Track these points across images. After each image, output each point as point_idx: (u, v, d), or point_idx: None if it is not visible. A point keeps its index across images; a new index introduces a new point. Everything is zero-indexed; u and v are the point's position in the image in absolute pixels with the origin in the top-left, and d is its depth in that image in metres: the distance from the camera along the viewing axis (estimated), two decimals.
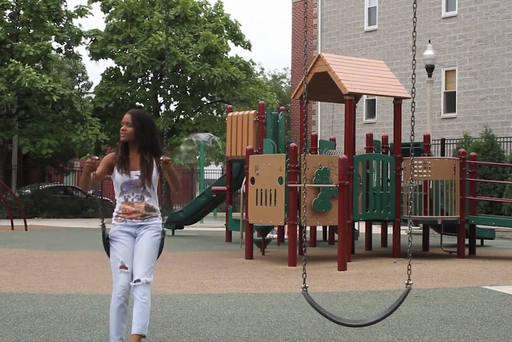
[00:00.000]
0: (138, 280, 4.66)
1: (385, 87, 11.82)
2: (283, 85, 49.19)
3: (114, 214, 4.91)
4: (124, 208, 4.84)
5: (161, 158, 4.78)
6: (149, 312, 4.68)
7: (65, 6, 5.70)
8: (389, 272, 9.60)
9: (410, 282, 4.53)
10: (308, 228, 13.30)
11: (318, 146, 13.41)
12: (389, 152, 12.79)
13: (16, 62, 24.76)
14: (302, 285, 4.69)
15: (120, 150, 4.89)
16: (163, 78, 28.79)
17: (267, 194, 10.60)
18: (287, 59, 67.22)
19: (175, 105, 29.70)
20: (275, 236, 14.37)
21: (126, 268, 4.73)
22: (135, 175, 4.86)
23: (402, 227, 12.18)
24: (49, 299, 6.98)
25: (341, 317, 4.95)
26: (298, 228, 10.94)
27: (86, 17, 28.57)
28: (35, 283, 8.21)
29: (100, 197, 30.54)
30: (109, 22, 28.57)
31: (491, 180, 18.69)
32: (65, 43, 28.26)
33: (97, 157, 4.83)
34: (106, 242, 4.87)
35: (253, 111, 14.26)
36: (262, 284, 8.33)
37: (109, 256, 4.87)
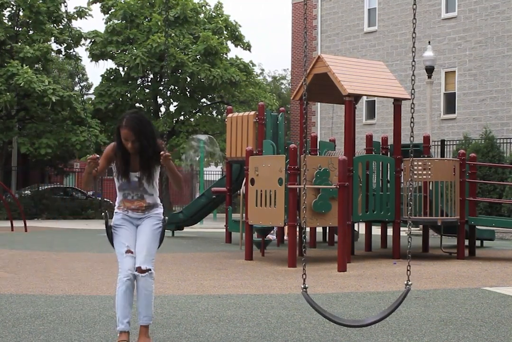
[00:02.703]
0: (141, 270, 4.78)
1: (385, 88, 11.82)
2: (283, 86, 49.23)
3: (116, 204, 5.01)
4: (124, 204, 4.96)
5: (161, 153, 4.78)
6: (153, 300, 4.90)
7: (66, 6, 5.70)
8: (389, 273, 9.59)
9: (410, 283, 4.53)
10: (308, 229, 13.30)
11: (318, 147, 13.42)
12: (388, 153, 12.79)
13: (15, 63, 24.78)
14: (302, 286, 4.69)
15: (119, 151, 4.87)
16: (163, 80, 28.80)
17: (267, 195, 10.60)
18: (287, 60, 67.23)
19: (174, 106, 29.72)
20: (274, 236, 14.36)
21: (132, 252, 4.85)
22: (135, 176, 4.89)
23: (402, 228, 12.18)
24: (49, 300, 6.98)
25: (340, 318, 4.95)
26: (298, 229, 10.94)
27: (86, 18, 28.61)
28: (35, 284, 8.20)
29: (100, 198, 30.54)
30: (108, 23, 28.58)
31: (491, 181, 18.68)
32: (65, 45, 28.27)
33: (98, 155, 4.87)
34: (109, 230, 4.96)
35: (253, 113, 14.26)
36: (262, 285, 8.33)
37: (112, 245, 4.99)
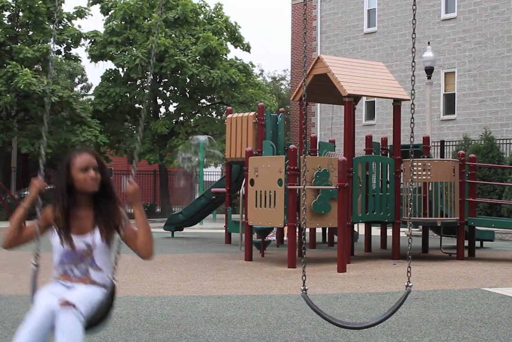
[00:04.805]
0: (65, 303, 3.36)
1: (384, 89, 11.83)
2: (282, 87, 49.20)
3: (52, 275, 3.96)
4: (63, 279, 3.79)
5: (128, 184, 3.56)
6: None
7: (57, 11, 5.52)
8: (389, 274, 9.59)
9: (410, 284, 4.53)
10: (307, 230, 13.30)
11: (317, 148, 13.42)
12: (388, 154, 12.80)
13: (15, 63, 24.78)
14: (302, 287, 4.68)
15: (60, 204, 3.65)
16: (162, 80, 28.80)
17: (267, 196, 10.60)
18: (286, 61, 67.25)
19: (174, 107, 29.73)
20: (274, 237, 14.36)
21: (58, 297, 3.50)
22: (82, 242, 3.62)
23: (401, 229, 12.18)
24: None
25: (341, 320, 4.95)
26: (297, 230, 10.94)
27: (86, 18, 28.61)
28: None
29: None
30: (108, 24, 28.59)
31: (490, 181, 18.69)
32: (65, 45, 28.28)
33: (43, 183, 3.80)
34: (35, 293, 3.83)
35: (252, 113, 14.26)
36: (261, 285, 8.33)
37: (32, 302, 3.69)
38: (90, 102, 28.97)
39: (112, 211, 3.63)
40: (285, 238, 13.67)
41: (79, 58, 29.61)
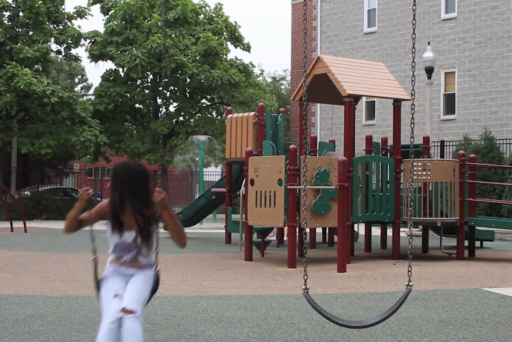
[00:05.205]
0: (126, 311, 4.08)
1: (384, 89, 11.82)
2: (282, 87, 49.21)
3: (108, 257, 4.46)
4: (117, 263, 4.41)
5: (156, 193, 4.16)
6: None
7: (63, 9, 5.62)
8: (389, 273, 9.59)
9: (411, 283, 4.53)
10: (307, 230, 13.29)
11: (317, 148, 13.42)
12: (388, 154, 12.80)
13: (15, 64, 24.79)
14: (303, 287, 4.68)
15: (113, 206, 4.31)
16: (162, 80, 28.79)
17: (267, 196, 10.60)
18: (286, 61, 67.25)
19: (174, 107, 29.73)
20: (274, 237, 14.36)
21: (119, 296, 4.22)
22: (130, 236, 4.34)
23: (401, 229, 12.18)
24: (48, 301, 6.98)
25: (342, 319, 4.94)
26: (297, 230, 10.93)
27: (86, 18, 28.61)
28: (35, 285, 8.20)
29: (100, 199, 30.56)
30: (108, 24, 28.59)
31: (490, 181, 18.69)
32: (65, 45, 28.29)
33: (90, 188, 4.39)
34: (98, 283, 4.40)
35: (252, 113, 14.27)
36: (261, 285, 8.33)
37: (98, 295, 4.36)
38: (90, 102, 28.97)
39: (150, 213, 4.33)
40: (285, 238, 13.67)
41: (79, 58, 29.62)
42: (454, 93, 25.26)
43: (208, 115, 30.69)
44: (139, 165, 4.40)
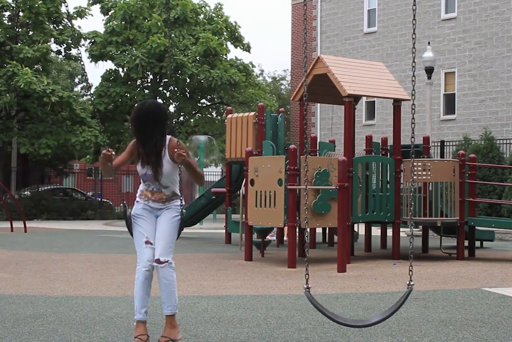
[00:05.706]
0: (160, 262, 4.89)
1: (384, 89, 11.82)
2: (282, 87, 49.25)
3: (138, 192, 5.16)
4: (146, 194, 5.10)
5: (175, 150, 4.84)
6: (176, 290, 4.99)
7: (66, 6, 5.75)
8: (389, 274, 9.59)
9: (412, 283, 4.53)
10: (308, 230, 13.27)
11: (317, 148, 13.42)
12: (388, 154, 12.80)
13: (15, 63, 24.80)
14: (305, 286, 4.68)
15: (137, 144, 5.01)
16: (162, 80, 28.80)
17: (267, 196, 10.59)
18: (286, 61, 67.27)
19: (174, 107, 29.73)
20: (274, 237, 14.36)
21: (151, 243, 4.97)
22: (149, 168, 5.01)
23: (401, 229, 12.18)
24: (49, 301, 6.98)
25: (343, 318, 4.94)
26: (297, 230, 10.93)
27: (86, 18, 28.63)
28: (35, 285, 8.20)
29: (100, 199, 30.56)
30: (108, 24, 28.59)
31: (490, 181, 18.69)
32: (65, 45, 28.29)
33: (112, 150, 5.00)
34: (129, 220, 5.09)
35: (252, 113, 14.27)
36: (261, 285, 8.33)
37: (131, 234, 5.09)
38: (90, 102, 28.96)
39: (158, 150, 4.95)
40: (285, 238, 13.67)
41: (80, 58, 29.59)
42: (454, 93, 25.27)
43: (208, 115, 30.70)
44: (155, 104, 4.96)
